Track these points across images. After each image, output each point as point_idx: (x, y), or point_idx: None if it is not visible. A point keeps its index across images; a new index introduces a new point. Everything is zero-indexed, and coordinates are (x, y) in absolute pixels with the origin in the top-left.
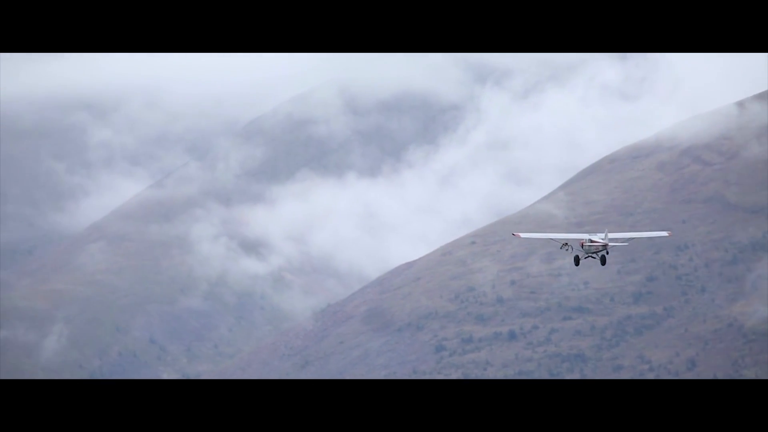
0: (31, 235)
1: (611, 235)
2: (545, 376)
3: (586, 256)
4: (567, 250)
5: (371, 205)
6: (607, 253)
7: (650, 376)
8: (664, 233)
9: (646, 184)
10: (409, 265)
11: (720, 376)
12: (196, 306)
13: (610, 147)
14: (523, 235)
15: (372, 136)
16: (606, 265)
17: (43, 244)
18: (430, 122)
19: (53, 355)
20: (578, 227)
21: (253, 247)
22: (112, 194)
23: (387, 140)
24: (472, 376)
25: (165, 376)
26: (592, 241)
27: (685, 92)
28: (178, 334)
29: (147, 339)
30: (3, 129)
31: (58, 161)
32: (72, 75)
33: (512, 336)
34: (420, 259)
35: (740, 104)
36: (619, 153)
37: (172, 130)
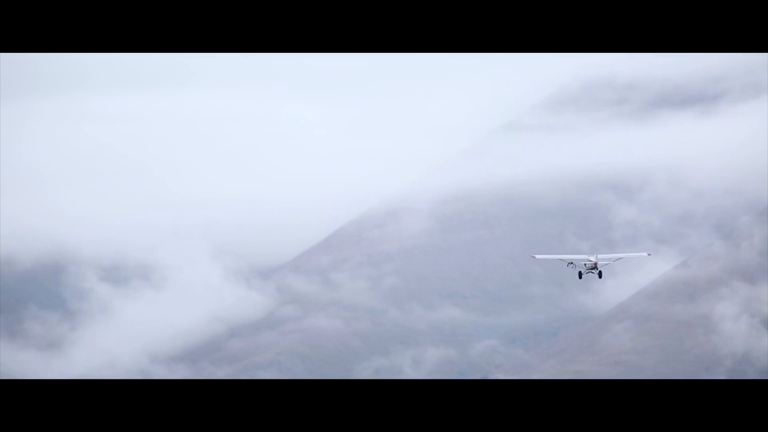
0: (556, 316)
1: (600, 256)
2: None
3: (587, 272)
4: (572, 267)
5: None
6: (599, 269)
7: None
8: (644, 254)
9: None
10: None
11: None
12: None
13: None
14: (538, 256)
15: None
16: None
17: (567, 324)
18: None
19: None
20: None
21: None
22: (638, 273)
23: None
24: None
25: None
26: (589, 261)
27: None
28: None
29: None
30: (527, 207)
31: (583, 240)
32: (596, 155)
33: None
34: None
35: None
36: None
37: (696, 209)
